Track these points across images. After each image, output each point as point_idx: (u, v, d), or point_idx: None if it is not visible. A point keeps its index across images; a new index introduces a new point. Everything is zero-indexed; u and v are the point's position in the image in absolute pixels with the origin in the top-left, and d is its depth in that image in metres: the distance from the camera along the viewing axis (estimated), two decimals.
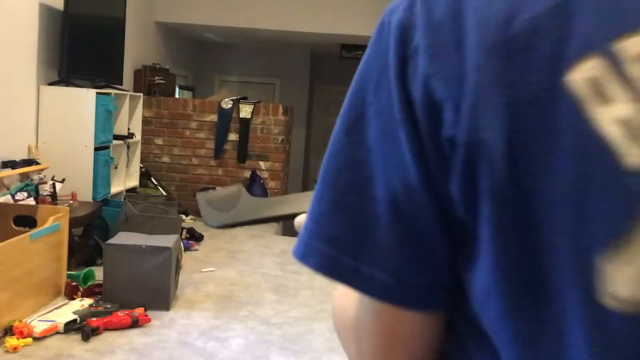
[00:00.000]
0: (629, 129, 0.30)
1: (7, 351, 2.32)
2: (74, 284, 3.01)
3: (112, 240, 2.96)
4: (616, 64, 0.31)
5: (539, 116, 0.32)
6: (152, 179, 5.17)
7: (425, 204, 0.36)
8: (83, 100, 3.85)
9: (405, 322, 0.40)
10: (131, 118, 4.72)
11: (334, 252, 0.38)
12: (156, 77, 5.57)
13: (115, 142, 4.24)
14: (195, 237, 4.35)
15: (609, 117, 0.30)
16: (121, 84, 4.59)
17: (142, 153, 5.13)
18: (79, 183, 3.81)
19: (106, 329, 2.58)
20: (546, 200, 0.32)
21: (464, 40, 0.35)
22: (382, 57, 0.38)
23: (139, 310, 2.71)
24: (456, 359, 0.40)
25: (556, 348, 0.33)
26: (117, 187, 4.40)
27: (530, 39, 0.33)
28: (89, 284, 3.08)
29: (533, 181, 0.32)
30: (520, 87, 0.32)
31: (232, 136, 5.40)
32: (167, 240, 2.97)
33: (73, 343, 2.45)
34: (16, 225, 3.04)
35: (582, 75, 0.31)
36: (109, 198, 4.12)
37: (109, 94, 4.10)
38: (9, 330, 2.44)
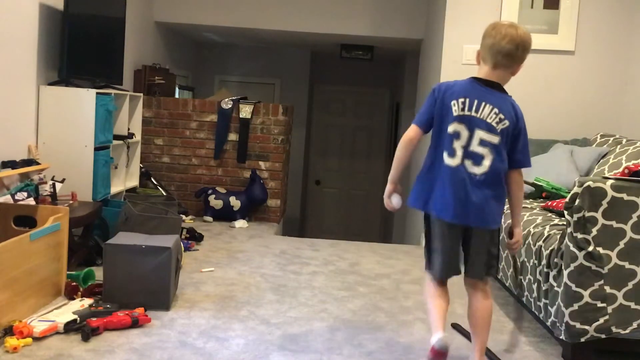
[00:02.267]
0: (458, 112, 2.29)
1: (7, 351, 2.32)
2: (74, 284, 3.01)
3: (112, 240, 2.95)
4: (455, 103, 2.29)
5: (447, 108, 2.31)
6: (152, 179, 5.17)
7: (431, 114, 2.35)
8: (83, 100, 3.85)
9: (418, 133, 2.36)
10: (131, 118, 4.72)
11: (417, 121, 2.38)
12: (156, 77, 5.57)
13: (115, 142, 4.24)
14: (195, 237, 4.35)
15: (455, 112, 2.29)
16: (121, 84, 4.59)
17: (142, 153, 5.13)
18: (79, 183, 3.82)
19: (106, 329, 2.58)
20: (444, 122, 2.31)
21: (442, 94, 2.34)
22: (433, 94, 2.37)
23: (139, 310, 2.71)
24: (428, 158, 2.37)
25: (444, 149, 2.29)
26: (117, 187, 4.40)
27: (450, 94, 2.33)
28: (89, 284, 3.08)
29: (443, 117, 2.32)
30: (447, 100, 2.32)
31: (232, 136, 5.40)
32: (167, 240, 2.97)
33: (73, 343, 2.45)
34: (16, 225, 3.04)
35: (456, 105, 2.30)
36: (109, 198, 4.12)
37: (109, 94, 4.10)
38: (9, 330, 2.44)
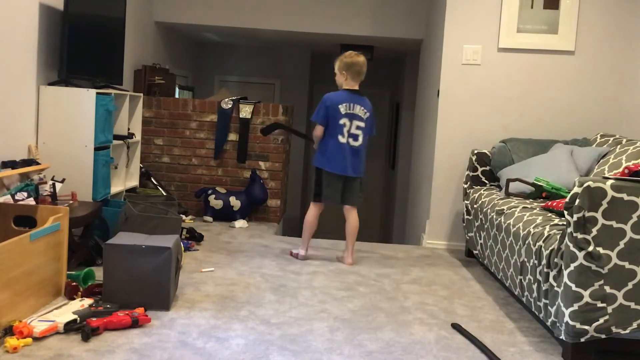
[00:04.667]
0: (344, 112, 3.87)
1: (7, 351, 2.32)
2: (74, 284, 3.01)
3: (112, 240, 2.95)
4: (342, 107, 3.86)
5: (336, 110, 3.87)
6: (152, 179, 5.17)
7: (327, 116, 3.87)
8: (83, 100, 3.85)
9: (322, 129, 3.90)
10: (131, 118, 4.72)
11: (319, 118, 3.90)
12: (156, 77, 5.57)
13: (115, 142, 4.24)
14: (195, 237, 4.35)
15: (343, 112, 3.85)
16: (121, 84, 4.59)
17: (142, 153, 5.13)
18: (79, 183, 3.82)
19: (106, 329, 2.58)
20: (336, 119, 3.86)
21: (331, 102, 3.89)
22: (325, 103, 3.90)
23: (139, 310, 2.71)
24: (327, 139, 3.92)
25: (338, 134, 3.88)
26: (117, 187, 4.40)
27: (337, 102, 3.88)
28: (89, 284, 3.08)
29: (336, 115, 3.87)
30: (336, 106, 3.86)
31: (232, 136, 5.40)
32: (167, 240, 2.96)
33: (73, 343, 2.45)
34: (16, 225, 3.04)
35: (343, 108, 3.87)
36: (109, 198, 4.12)
37: (109, 94, 4.10)
38: (9, 330, 2.44)
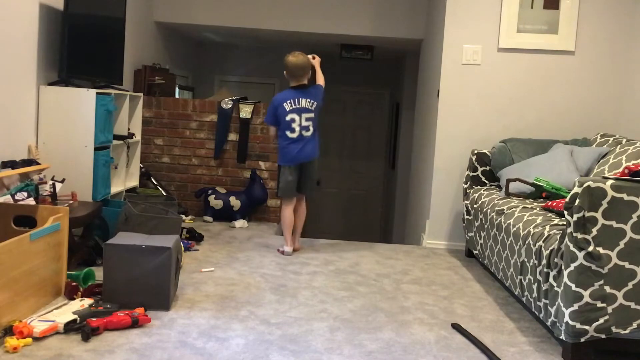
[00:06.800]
0: (290, 108, 4.10)
1: (7, 351, 2.32)
2: (74, 284, 3.01)
3: (112, 240, 2.95)
4: (286, 104, 4.10)
5: (282, 108, 4.10)
6: (152, 179, 5.17)
7: (276, 116, 4.16)
8: (83, 100, 3.85)
9: (275, 129, 4.20)
10: (131, 118, 4.72)
11: (268, 120, 4.22)
12: (156, 77, 5.57)
13: (115, 142, 4.24)
14: (195, 237, 4.35)
15: (288, 109, 4.09)
16: (121, 84, 4.59)
17: (142, 153, 5.12)
18: (79, 183, 3.82)
19: (106, 329, 2.58)
20: (284, 116, 4.10)
21: (277, 102, 4.14)
22: (272, 104, 4.16)
23: (139, 310, 2.71)
24: (281, 136, 4.18)
25: (288, 130, 4.12)
26: (117, 187, 4.40)
27: (282, 100, 4.12)
28: (89, 284, 3.08)
29: (284, 113, 4.11)
30: (281, 104, 4.11)
31: (232, 136, 5.40)
32: (167, 240, 2.96)
33: (73, 343, 2.45)
34: (16, 225, 3.04)
35: (287, 105, 4.10)
36: (109, 198, 4.12)
37: (109, 94, 4.10)
38: (9, 330, 2.44)
